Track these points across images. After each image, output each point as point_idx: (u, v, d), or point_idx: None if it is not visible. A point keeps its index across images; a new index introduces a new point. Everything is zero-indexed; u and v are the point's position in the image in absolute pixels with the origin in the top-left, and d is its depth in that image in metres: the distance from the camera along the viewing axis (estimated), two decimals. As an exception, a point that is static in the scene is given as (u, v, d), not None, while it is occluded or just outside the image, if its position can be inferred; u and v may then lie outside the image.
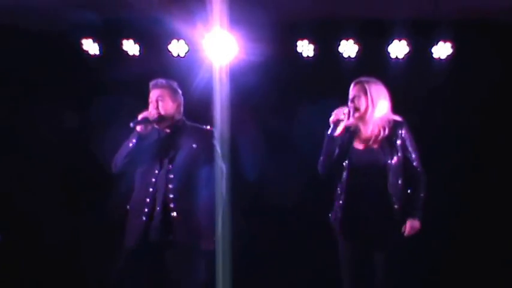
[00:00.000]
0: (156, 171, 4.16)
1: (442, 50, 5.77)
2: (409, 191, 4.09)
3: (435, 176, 5.49)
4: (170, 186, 4.12)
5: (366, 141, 4.15)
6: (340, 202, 4.11)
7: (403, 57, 5.78)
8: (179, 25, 5.49)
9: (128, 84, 5.82)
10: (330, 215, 4.20)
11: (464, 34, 5.73)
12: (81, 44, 5.92)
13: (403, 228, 4.02)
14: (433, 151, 5.61)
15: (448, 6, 5.45)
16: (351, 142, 4.16)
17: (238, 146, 5.32)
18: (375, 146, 4.11)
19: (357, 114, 4.12)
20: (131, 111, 4.64)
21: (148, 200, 4.12)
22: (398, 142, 4.10)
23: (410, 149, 4.13)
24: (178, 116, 4.31)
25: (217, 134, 4.39)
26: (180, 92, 4.35)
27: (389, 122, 4.14)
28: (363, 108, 4.12)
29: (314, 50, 5.82)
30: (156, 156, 4.18)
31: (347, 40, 5.75)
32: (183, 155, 4.19)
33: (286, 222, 5.86)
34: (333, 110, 4.19)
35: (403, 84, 5.77)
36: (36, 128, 5.86)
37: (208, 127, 4.36)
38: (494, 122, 5.81)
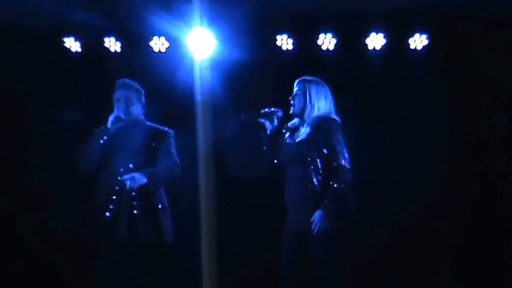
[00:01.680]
0: (122, 170, 4.25)
1: (418, 41, 5.84)
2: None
3: (407, 165, 5.66)
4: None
5: (296, 135, 4.29)
6: None
7: (381, 49, 5.84)
8: (160, 22, 5.55)
9: (109, 81, 5.86)
10: None
11: (440, 26, 5.81)
12: (63, 42, 5.94)
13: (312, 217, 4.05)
14: (408, 140, 5.74)
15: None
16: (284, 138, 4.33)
17: (220, 141, 5.38)
18: (303, 140, 4.21)
19: (291, 111, 4.30)
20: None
21: (114, 197, 4.21)
22: (327, 139, 4.15)
23: (338, 147, 4.14)
24: (141, 116, 4.46)
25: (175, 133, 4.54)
26: (143, 92, 4.48)
27: (325, 118, 4.23)
28: (300, 106, 4.28)
29: (293, 43, 5.88)
30: (120, 155, 4.29)
31: (325, 33, 5.81)
32: (144, 153, 4.32)
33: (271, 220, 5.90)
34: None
35: (381, 75, 5.89)
36: (17, 126, 5.83)
37: (166, 128, 4.49)
38: (469, 112, 5.84)
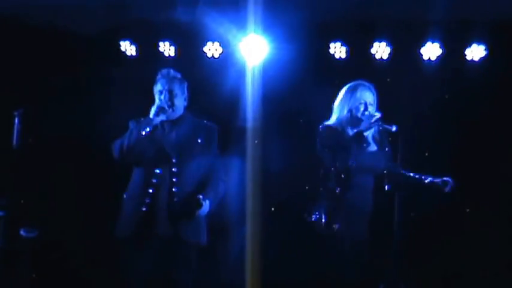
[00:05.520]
0: (161, 163, 4.09)
1: (475, 51, 5.74)
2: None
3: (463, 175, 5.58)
4: (174, 179, 4.07)
5: (367, 142, 4.19)
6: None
7: (436, 59, 5.76)
8: (214, 27, 5.58)
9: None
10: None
11: (498, 36, 5.69)
12: (119, 45, 6.02)
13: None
14: (465, 151, 5.63)
15: (482, 8, 5.44)
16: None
17: (269, 146, 5.38)
18: (375, 149, 4.20)
19: (373, 120, 4.13)
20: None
21: (151, 190, 4.05)
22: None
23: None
24: (184, 109, 4.27)
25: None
26: (186, 84, 4.30)
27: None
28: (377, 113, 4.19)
29: (346, 51, 5.83)
30: (161, 148, 4.11)
31: (380, 42, 5.75)
32: (188, 149, 4.14)
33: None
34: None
35: (436, 85, 5.79)
36: (71, 127, 5.92)
37: (211, 123, 4.31)
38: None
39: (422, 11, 5.50)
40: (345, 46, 5.81)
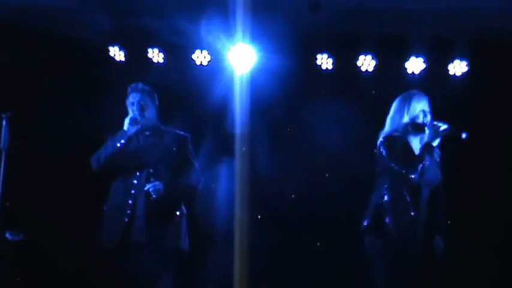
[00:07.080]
0: (138, 173, 4.20)
1: (458, 67, 5.86)
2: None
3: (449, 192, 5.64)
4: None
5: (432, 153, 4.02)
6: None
7: (419, 73, 5.86)
8: (203, 35, 5.64)
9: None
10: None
11: (480, 53, 5.82)
12: (108, 51, 6.04)
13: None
14: (447, 165, 5.72)
15: (465, 25, 5.58)
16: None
17: (256, 154, 5.43)
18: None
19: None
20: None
21: (131, 201, 4.16)
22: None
23: None
24: (156, 120, 4.38)
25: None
26: (156, 95, 4.40)
27: None
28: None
29: (333, 63, 5.92)
30: (137, 159, 4.22)
31: (366, 55, 5.86)
32: (163, 158, 4.24)
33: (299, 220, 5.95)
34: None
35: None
36: (58, 131, 5.91)
37: (183, 133, 4.39)
38: (506, 140, 5.86)
39: (408, 26, 5.63)
40: (331, 58, 5.91)
